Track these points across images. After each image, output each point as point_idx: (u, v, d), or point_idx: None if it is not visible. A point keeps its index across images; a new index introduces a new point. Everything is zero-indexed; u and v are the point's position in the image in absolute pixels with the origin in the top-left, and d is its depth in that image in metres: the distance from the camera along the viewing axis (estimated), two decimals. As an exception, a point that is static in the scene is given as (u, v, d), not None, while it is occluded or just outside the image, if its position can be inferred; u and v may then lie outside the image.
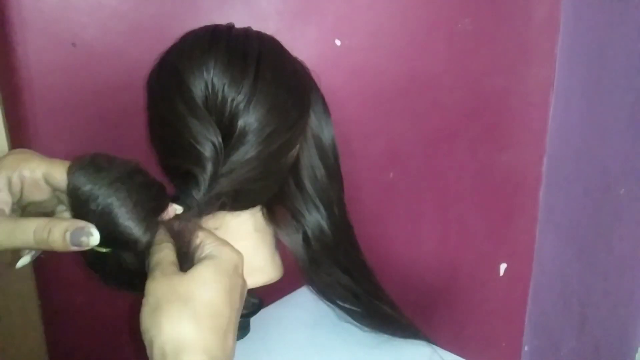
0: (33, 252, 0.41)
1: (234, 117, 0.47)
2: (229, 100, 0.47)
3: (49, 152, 0.78)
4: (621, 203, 0.73)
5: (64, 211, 0.42)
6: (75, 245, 0.36)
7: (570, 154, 0.86)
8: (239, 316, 0.43)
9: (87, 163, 0.38)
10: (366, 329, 0.58)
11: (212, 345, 0.38)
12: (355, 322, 0.58)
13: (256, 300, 0.60)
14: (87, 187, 0.37)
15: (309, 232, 0.56)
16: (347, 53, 0.82)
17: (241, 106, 0.47)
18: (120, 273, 0.44)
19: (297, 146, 0.54)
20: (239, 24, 0.54)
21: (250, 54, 0.49)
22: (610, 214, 0.75)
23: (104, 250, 0.39)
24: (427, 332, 0.60)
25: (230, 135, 0.47)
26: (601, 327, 0.78)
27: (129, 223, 0.38)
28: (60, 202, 0.41)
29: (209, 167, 0.45)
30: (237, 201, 0.52)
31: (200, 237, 0.44)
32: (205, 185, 0.45)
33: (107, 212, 0.37)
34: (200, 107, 0.47)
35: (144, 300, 0.39)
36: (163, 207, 0.42)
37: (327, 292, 0.58)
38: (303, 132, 0.54)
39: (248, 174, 0.48)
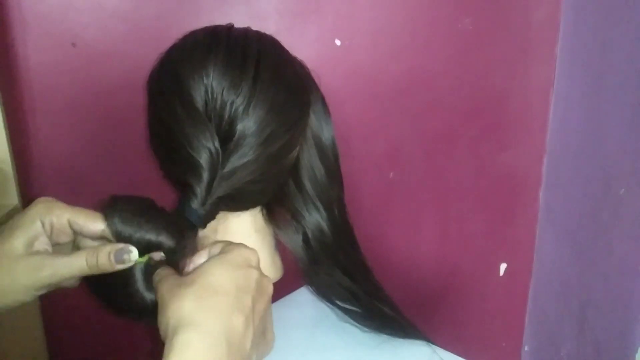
0: (73, 281, 0.46)
1: (233, 120, 0.47)
2: (228, 103, 0.47)
3: (49, 152, 0.78)
4: (621, 203, 0.73)
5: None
6: (120, 263, 0.43)
7: (570, 154, 0.86)
8: (261, 306, 0.43)
9: (115, 208, 0.45)
10: (366, 329, 0.58)
11: (210, 322, 0.38)
12: (355, 323, 0.58)
13: (256, 301, 0.60)
14: (124, 229, 0.44)
15: (309, 233, 0.56)
16: (347, 53, 0.82)
17: (240, 109, 0.47)
18: (126, 298, 0.45)
19: (298, 147, 0.54)
20: (239, 24, 0.54)
21: (249, 55, 0.49)
22: (610, 214, 0.75)
23: (142, 260, 0.44)
24: (427, 332, 0.60)
25: (230, 138, 0.47)
26: (601, 327, 0.78)
27: (161, 234, 0.44)
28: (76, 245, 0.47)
29: (205, 176, 0.46)
30: (237, 202, 0.52)
31: (207, 248, 0.46)
32: (202, 195, 0.46)
33: (143, 234, 0.44)
34: (199, 112, 0.47)
35: (159, 299, 0.41)
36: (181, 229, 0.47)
37: (327, 293, 0.58)
38: (303, 132, 0.54)
39: (248, 176, 0.48)
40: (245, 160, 0.47)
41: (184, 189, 0.47)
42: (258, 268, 0.44)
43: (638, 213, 0.69)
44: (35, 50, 0.74)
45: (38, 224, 0.43)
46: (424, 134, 0.88)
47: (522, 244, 0.97)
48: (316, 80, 0.57)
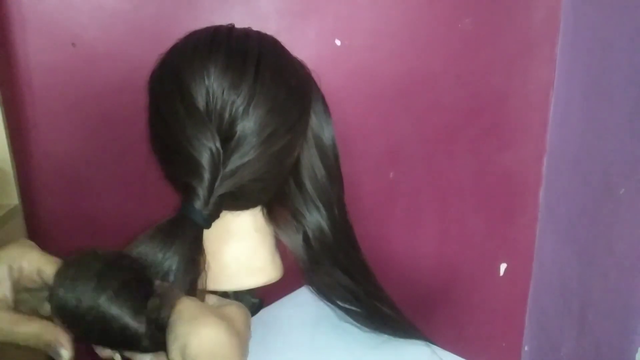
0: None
1: (234, 120, 0.47)
2: (229, 103, 0.47)
3: (49, 152, 0.78)
4: (621, 203, 0.73)
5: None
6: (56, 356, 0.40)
7: (570, 154, 0.86)
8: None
9: (67, 276, 0.40)
10: (366, 329, 0.58)
11: None
12: (355, 323, 0.58)
13: (256, 300, 0.60)
14: (72, 305, 0.39)
15: (309, 233, 0.56)
16: (347, 53, 0.82)
17: (241, 109, 0.47)
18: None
19: (299, 147, 0.54)
20: (239, 24, 0.54)
21: (250, 55, 0.49)
22: (610, 214, 0.75)
23: (118, 356, 0.41)
24: (427, 332, 0.60)
25: (230, 137, 0.47)
26: (601, 327, 0.78)
27: (125, 320, 0.39)
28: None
29: (207, 176, 0.46)
30: (238, 201, 0.52)
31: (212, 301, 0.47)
32: (204, 195, 0.46)
33: (98, 320, 0.39)
34: (200, 112, 0.47)
35: (175, 315, 0.40)
36: (150, 292, 0.42)
37: (327, 293, 0.58)
38: (304, 132, 0.54)
39: (250, 175, 0.48)
40: (246, 159, 0.47)
41: (186, 190, 0.47)
42: (250, 329, 0.45)
43: (638, 213, 0.69)
44: (35, 50, 0.74)
45: (4, 268, 0.41)
46: (424, 134, 0.88)
47: (522, 244, 0.97)
48: (316, 80, 0.58)
